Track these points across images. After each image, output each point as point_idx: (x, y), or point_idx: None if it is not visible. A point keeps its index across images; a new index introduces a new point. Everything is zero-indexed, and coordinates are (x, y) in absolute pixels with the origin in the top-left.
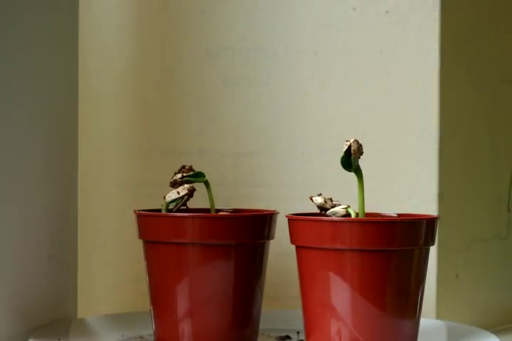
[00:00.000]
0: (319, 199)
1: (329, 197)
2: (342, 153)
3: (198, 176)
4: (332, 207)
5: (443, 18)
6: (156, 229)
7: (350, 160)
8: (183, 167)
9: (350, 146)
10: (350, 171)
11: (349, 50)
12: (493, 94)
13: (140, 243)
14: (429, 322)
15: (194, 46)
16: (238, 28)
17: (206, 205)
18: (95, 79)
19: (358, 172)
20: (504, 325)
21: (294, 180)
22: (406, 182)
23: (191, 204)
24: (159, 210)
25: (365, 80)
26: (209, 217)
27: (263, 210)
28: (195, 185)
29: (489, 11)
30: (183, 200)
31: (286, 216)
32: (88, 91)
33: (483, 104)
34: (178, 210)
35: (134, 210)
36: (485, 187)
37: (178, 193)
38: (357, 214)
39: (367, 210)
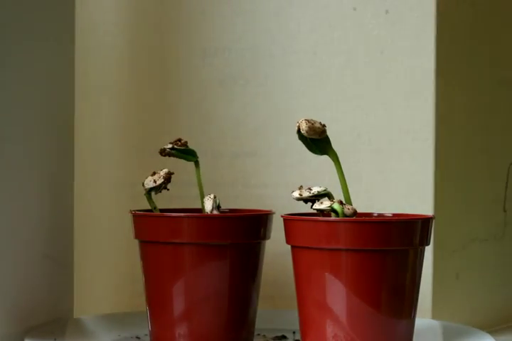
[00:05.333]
0: (295, 194)
1: (307, 187)
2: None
3: (188, 153)
4: (313, 197)
5: (441, 18)
6: (151, 229)
7: (309, 143)
8: (179, 140)
9: (299, 127)
10: (319, 154)
11: (348, 50)
12: (489, 95)
13: (136, 243)
14: (424, 322)
15: (191, 46)
16: (235, 28)
17: (200, 205)
18: (92, 79)
19: (331, 154)
20: (500, 325)
21: (291, 180)
22: (402, 182)
23: (187, 204)
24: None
25: (362, 80)
26: (205, 217)
27: (259, 210)
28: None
29: (486, 12)
30: (161, 188)
31: (282, 216)
32: (84, 91)
33: (479, 104)
34: (174, 210)
35: (130, 210)
36: (481, 187)
37: (155, 182)
38: (342, 210)
39: (363, 210)
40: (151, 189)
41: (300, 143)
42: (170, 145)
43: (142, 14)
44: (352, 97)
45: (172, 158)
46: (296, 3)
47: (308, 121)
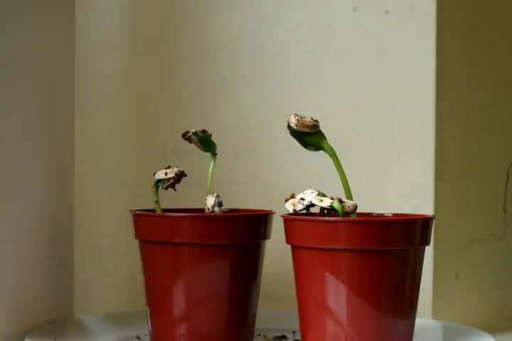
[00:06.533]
0: (289, 209)
1: (299, 197)
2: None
3: (209, 144)
4: (307, 207)
5: (441, 18)
6: (151, 229)
7: (301, 137)
8: (205, 130)
9: (288, 122)
10: (314, 150)
11: (348, 49)
12: (489, 94)
13: (136, 243)
14: (425, 321)
15: (191, 46)
16: (235, 28)
17: (202, 205)
18: (93, 80)
19: (326, 148)
20: (500, 325)
21: (291, 179)
22: (402, 182)
23: (189, 204)
24: (155, 210)
25: (362, 80)
26: (205, 216)
27: (259, 210)
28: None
29: (486, 12)
30: (169, 182)
31: (282, 216)
32: (85, 92)
33: (479, 104)
34: (174, 210)
35: (130, 210)
36: (481, 187)
37: (166, 174)
38: (342, 209)
39: (363, 210)
40: (159, 181)
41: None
42: (194, 131)
43: (142, 14)
44: (352, 97)
45: (168, 159)
46: (296, 3)
47: (297, 115)
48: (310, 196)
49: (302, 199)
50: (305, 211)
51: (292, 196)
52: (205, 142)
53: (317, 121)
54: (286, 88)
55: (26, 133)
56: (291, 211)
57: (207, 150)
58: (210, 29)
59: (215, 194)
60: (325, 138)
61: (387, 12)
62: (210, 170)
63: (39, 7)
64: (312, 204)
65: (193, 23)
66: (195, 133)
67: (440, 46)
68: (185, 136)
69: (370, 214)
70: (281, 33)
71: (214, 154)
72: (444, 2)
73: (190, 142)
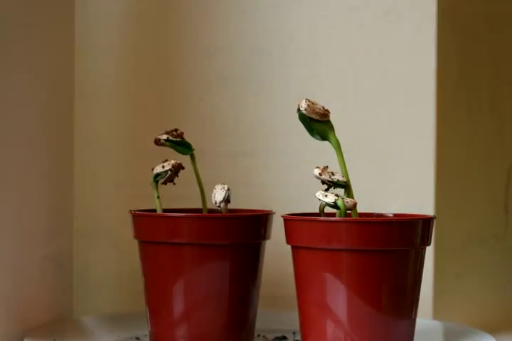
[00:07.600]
0: (316, 172)
1: (330, 171)
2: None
3: (184, 146)
4: (330, 183)
5: (441, 19)
6: (151, 229)
7: (308, 123)
8: (175, 130)
9: (298, 105)
10: (320, 139)
11: (348, 49)
12: (489, 94)
13: (136, 243)
14: (425, 322)
15: (191, 46)
16: (235, 28)
17: (201, 205)
18: (91, 79)
19: (332, 139)
20: (500, 325)
21: (291, 179)
22: (403, 182)
23: (188, 204)
24: (155, 210)
25: (362, 80)
26: (205, 217)
27: (259, 210)
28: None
29: (487, 12)
30: (167, 175)
31: (282, 216)
32: (84, 91)
33: (479, 104)
34: (175, 210)
35: (130, 210)
36: (482, 188)
37: (163, 167)
38: (345, 208)
39: (363, 210)
40: (158, 175)
41: (300, 143)
42: (165, 136)
43: (142, 14)
44: (352, 97)
45: (177, 159)
46: (296, 3)
47: (309, 100)
48: (338, 177)
49: (332, 173)
50: (327, 184)
51: (324, 168)
52: (178, 145)
53: (328, 111)
54: (286, 88)
55: (25, 133)
56: (316, 174)
57: (183, 152)
58: (210, 29)
59: (225, 187)
60: (333, 129)
61: (387, 12)
62: (195, 170)
63: (39, 6)
64: (337, 184)
65: (193, 22)
66: (167, 140)
67: (440, 46)
68: (158, 143)
69: (370, 214)
70: (282, 33)
71: (192, 154)
72: (443, 2)
73: (164, 146)
